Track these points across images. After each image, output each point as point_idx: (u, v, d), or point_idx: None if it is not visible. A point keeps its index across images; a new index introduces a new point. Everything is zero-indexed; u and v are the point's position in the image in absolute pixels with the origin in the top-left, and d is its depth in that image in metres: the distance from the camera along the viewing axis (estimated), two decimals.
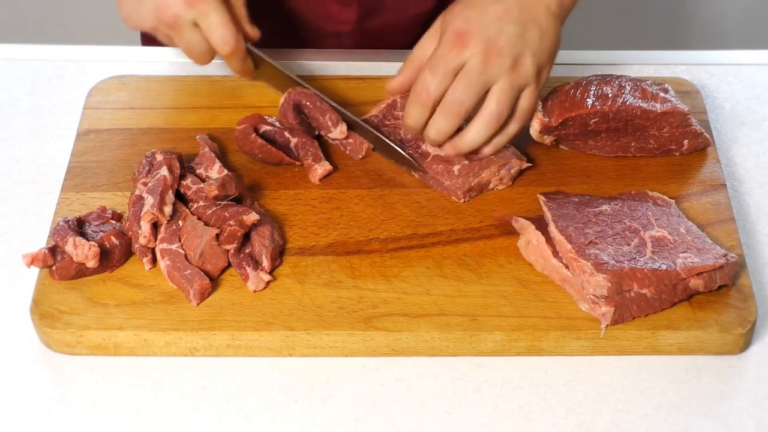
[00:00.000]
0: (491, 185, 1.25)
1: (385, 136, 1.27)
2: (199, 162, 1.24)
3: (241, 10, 1.30)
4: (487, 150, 1.25)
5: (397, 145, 1.27)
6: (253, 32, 1.32)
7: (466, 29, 1.20)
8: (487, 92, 1.21)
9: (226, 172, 1.22)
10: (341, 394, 1.10)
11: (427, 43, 1.26)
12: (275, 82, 1.35)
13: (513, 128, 1.24)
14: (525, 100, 1.23)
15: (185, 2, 1.24)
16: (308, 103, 1.29)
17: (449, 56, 1.20)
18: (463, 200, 1.24)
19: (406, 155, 1.25)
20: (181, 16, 1.25)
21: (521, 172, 1.27)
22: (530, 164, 1.26)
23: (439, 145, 1.26)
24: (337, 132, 1.28)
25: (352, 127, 1.29)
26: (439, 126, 1.22)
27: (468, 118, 1.22)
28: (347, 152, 1.29)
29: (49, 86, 1.40)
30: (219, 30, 1.25)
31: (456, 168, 1.24)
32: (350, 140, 1.28)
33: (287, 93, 1.29)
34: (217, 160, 1.23)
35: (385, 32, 1.52)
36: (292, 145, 1.27)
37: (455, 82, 1.21)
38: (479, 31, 1.20)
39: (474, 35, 1.20)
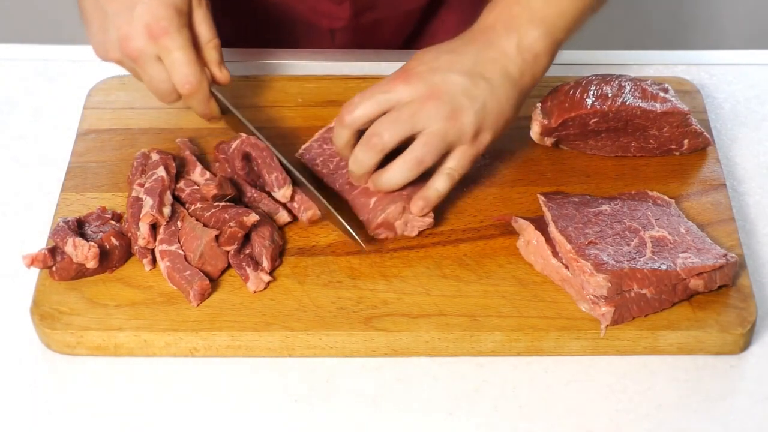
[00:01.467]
0: (399, 229, 1.19)
1: (333, 207, 1.18)
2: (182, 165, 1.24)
3: (213, 53, 1.24)
4: (414, 208, 1.17)
5: (344, 218, 1.17)
6: (223, 76, 1.25)
7: (414, 69, 1.17)
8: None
9: (208, 174, 1.22)
10: (341, 394, 1.10)
11: None
12: (236, 129, 1.27)
13: (441, 184, 1.17)
14: (453, 159, 1.17)
15: (148, 36, 1.18)
16: (257, 157, 1.21)
17: (385, 87, 1.16)
18: (376, 237, 1.19)
19: (351, 231, 1.16)
20: (144, 50, 1.18)
21: (520, 173, 1.27)
22: (432, 221, 1.19)
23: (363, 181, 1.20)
24: (281, 194, 1.19)
25: (299, 185, 1.20)
26: (358, 158, 1.17)
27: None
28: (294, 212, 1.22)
29: (49, 86, 1.40)
30: (181, 68, 1.19)
31: (372, 201, 1.19)
32: (294, 204, 1.20)
33: (238, 141, 1.21)
34: (198, 164, 1.23)
35: (378, 29, 1.52)
36: (245, 199, 1.22)
37: (383, 117, 1.16)
38: (426, 73, 1.16)
39: (418, 76, 1.16)
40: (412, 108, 1.15)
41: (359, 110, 1.17)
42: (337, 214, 1.17)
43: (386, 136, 1.15)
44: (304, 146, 1.27)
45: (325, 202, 1.18)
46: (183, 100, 1.23)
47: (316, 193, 1.19)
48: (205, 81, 1.22)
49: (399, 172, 1.17)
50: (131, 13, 1.19)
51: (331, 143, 1.24)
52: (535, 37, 1.17)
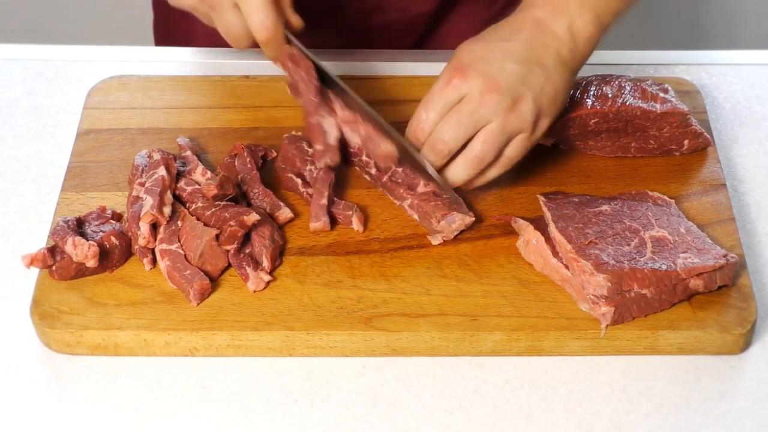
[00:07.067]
0: (443, 230, 1.19)
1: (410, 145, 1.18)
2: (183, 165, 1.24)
3: None
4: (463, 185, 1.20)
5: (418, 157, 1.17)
6: (296, 21, 1.22)
7: (468, 62, 1.16)
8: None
9: (209, 174, 1.22)
10: (341, 394, 1.10)
11: None
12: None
13: (492, 173, 1.19)
14: (512, 148, 1.17)
15: None
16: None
17: (446, 92, 1.16)
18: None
19: (431, 171, 1.16)
20: None
21: (520, 173, 1.27)
22: (473, 219, 1.20)
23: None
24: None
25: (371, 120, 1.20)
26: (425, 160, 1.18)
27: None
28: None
29: (49, 86, 1.40)
30: (258, 14, 1.16)
31: (405, 203, 1.20)
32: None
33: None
34: (199, 163, 1.23)
35: (387, 30, 1.51)
36: (250, 197, 1.23)
37: (445, 119, 1.16)
38: (481, 65, 1.15)
39: (474, 69, 1.15)
40: (473, 105, 1.15)
41: (429, 125, 1.17)
42: (410, 148, 1.15)
43: (451, 141, 1.16)
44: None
45: (401, 138, 1.17)
46: (259, 44, 1.21)
47: (389, 127, 1.17)
48: (281, 27, 1.19)
49: (462, 170, 1.17)
50: None
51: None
52: (587, 21, 1.18)
